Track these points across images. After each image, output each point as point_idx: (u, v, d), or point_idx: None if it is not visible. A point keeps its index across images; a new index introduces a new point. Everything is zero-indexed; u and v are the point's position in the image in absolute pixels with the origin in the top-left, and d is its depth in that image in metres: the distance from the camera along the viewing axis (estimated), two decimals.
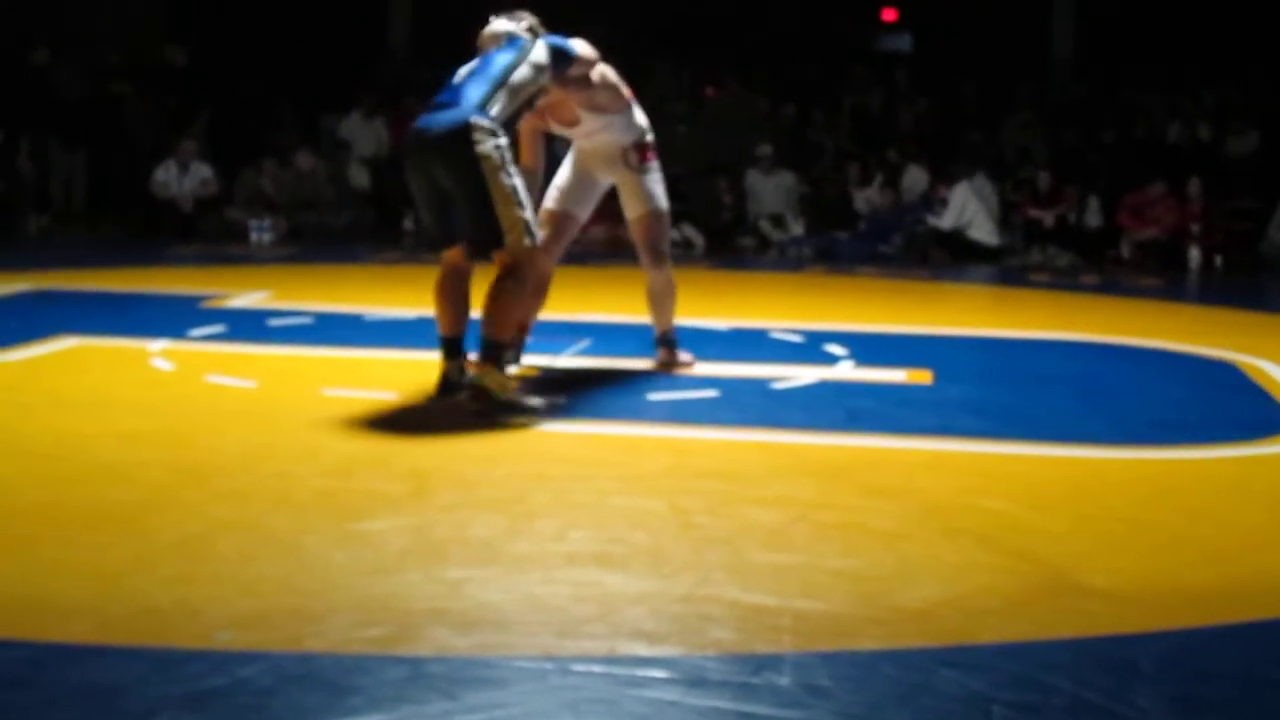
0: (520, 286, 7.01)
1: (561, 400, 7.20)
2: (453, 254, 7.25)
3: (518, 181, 6.95)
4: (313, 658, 3.85)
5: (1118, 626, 4.26)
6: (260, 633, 4.04)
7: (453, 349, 7.32)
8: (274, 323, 9.94)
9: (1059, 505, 5.62)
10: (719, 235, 17.71)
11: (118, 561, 4.67)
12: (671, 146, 18.73)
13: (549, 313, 8.26)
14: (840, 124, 19.86)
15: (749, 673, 3.78)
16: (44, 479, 5.71)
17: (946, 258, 16.59)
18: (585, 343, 9.17)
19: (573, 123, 8.10)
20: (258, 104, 19.11)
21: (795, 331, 10.00)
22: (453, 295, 7.32)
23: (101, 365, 8.18)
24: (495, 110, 6.98)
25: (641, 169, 8.26)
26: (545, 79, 7.33)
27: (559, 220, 8.25)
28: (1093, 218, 17.27)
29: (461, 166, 6.87)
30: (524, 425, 6.77)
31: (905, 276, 14.98)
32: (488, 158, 6.83)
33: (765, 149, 18.17)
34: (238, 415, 6.92)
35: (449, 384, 7.26)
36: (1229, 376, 8.72)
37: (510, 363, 7.45)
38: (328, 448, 6.32)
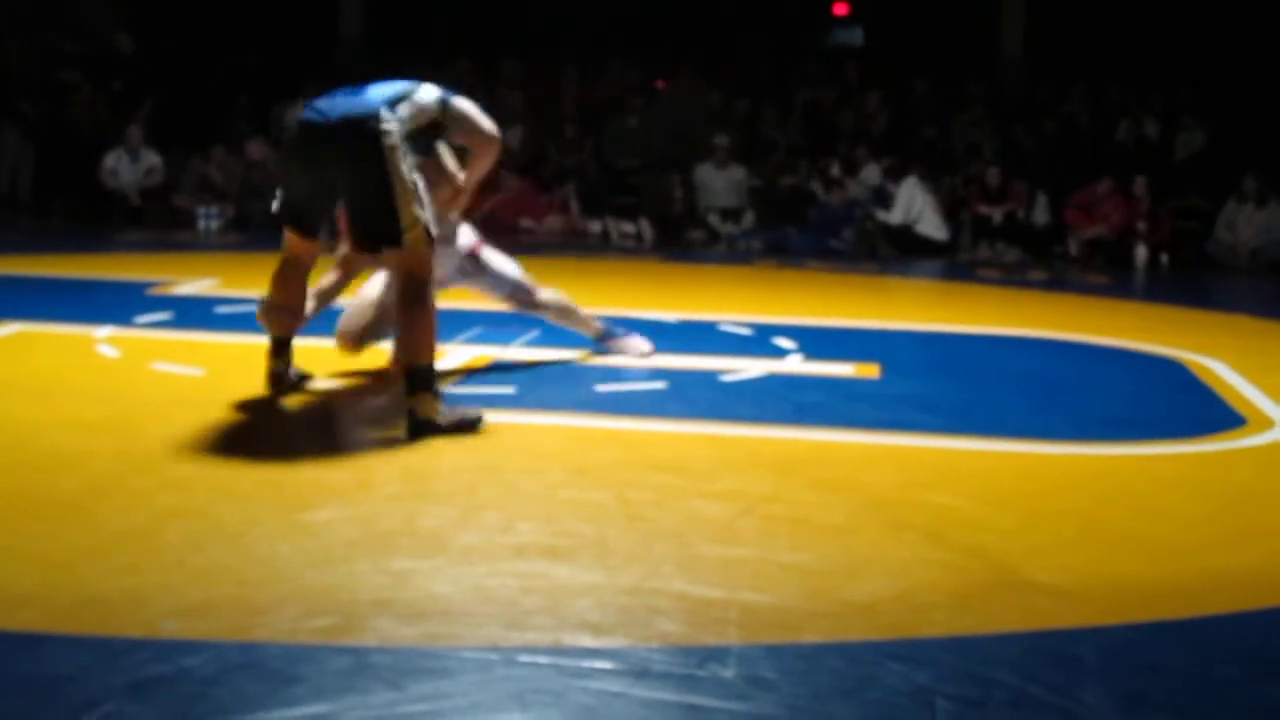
0: (423, 304, 6.56)
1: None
2: (302, 246, 6.93)
3: (420, 180, 6.63)
4: (258, 647, 3.84)
5: (1064, 621, 4.27)
6: (206, 622, 4.02)
7: (280, 347, 7.11)
8: (222, 310, 9.89)
9: (1007, 501, 5.64)
10: (669, 228, 17.72)
11: (64, 550, 4.65)
12: (623, 139, 18.86)
13: (498, 302, 8.22)
14: (791, 118, 19.88)
15: (694, 665, 3.79)
16: None
17: (895, 252, 16.65)
18: (534, 334, 9.15)
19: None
20: (207, 92, 19.02)
21: (744, 324, 10.01)
22: (290, 291, 7.01)
23: (46, 352, 8.13)
24: (402, 112, 6.66)
25: (481, 263, 8.01)
26: (434, 111, 6.90)
27: (382, 314, 7.63)
28: (1041, 214, 17.35)
29: (365, 156, 6.51)
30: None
31: (854, 270, 15.02)
32: (395, 149, 6.50)
33: (722, 140, 18.18)
34: (184, 403, 6.88)
35: (279, 380, 7.11)
36: (1176, 374, 8.77)
37: (301, 379, 7.28)
38: (275, 437, 6.30)
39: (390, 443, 6.26)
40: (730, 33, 21.18)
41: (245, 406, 6.79)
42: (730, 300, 11.71)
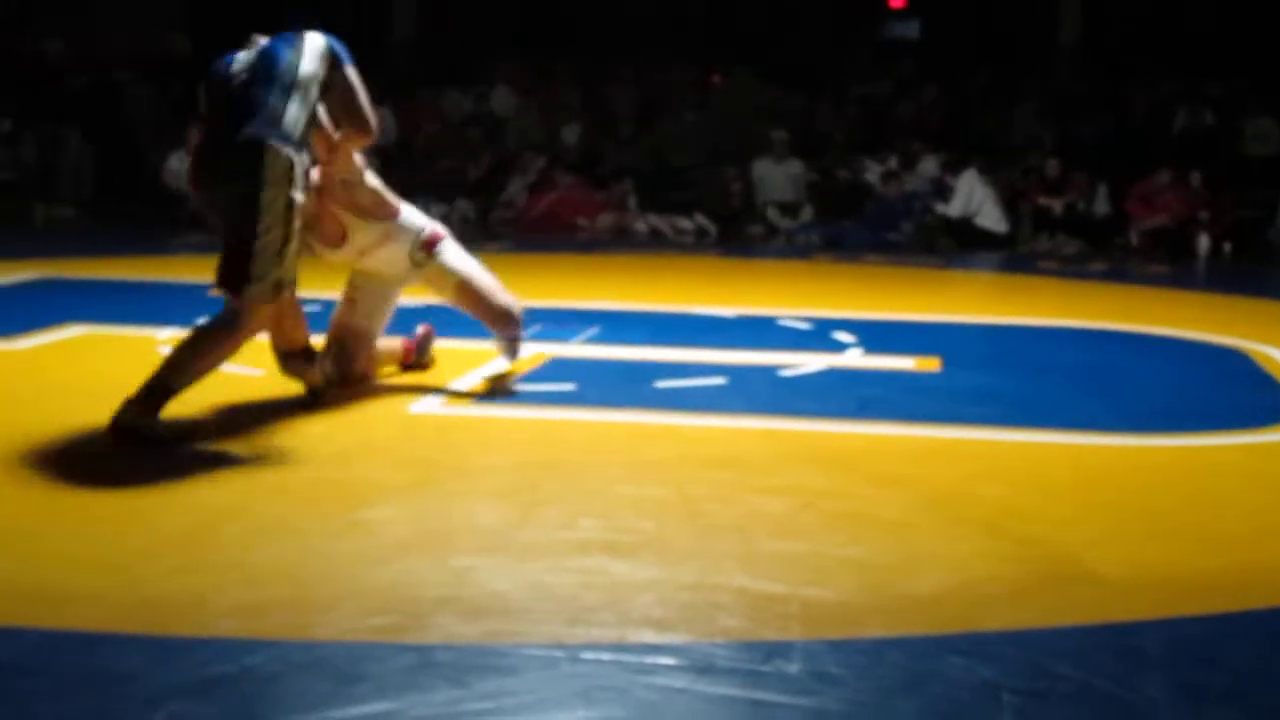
0: (231, 339, 6.22)
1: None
2: None
3: (293, 231, 6.19)
4: (319, 646, 3.85)
5: (1126, 614, 4.25)
6: (266, 621, 4.04)
7: (308, 354, 6.93)
8: None
9: (1067, 493, 5.61)
10: (727, 223, 17.70)
11: (123, 551, 4.67)
12: (678, 136, 18.85)
13: (557, 300, 8.23)
14: (848, 112, 19.83)
15: (758, 660, 3.78)
16: (50, 468, 5.71)
17: (954, 245, 16.58)
18: (594, 330, 9.16)
19: (340, 239, 7.23)
20: None
21: (803, 319, 9.98)
22: (286, 333, 6.78)
23: (109, 354, 8.18)
24: (290, 118, 6.21)
25: (434, 255, 7.38)
26: (324, 72, 6.41)
27: (344, 334, 7.29)
28: (1101, 205, 17.25)
29: (238, 190, 6.13)
30: (530, 415, 6.78)
31: (913, 264, 14.97)
32: (272, 195, 6.08)
33: (780, 135, 18.14)
34: (244, 403, 6.91)
35: (315, 393, 6.97)
36: (1238, 364, 8.71)
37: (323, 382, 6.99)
38: (332, 436, 6.32)
39: (448, 442, 6.27)
40: (786, 27, 21.14)
41: (303, 406, 6.81)
42: (789, 295, 11.68)
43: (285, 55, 6.32)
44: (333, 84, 6.47)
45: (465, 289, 7.40)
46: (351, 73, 6.53)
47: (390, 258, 7.31)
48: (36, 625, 3.98)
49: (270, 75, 6.26)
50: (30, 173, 17.64)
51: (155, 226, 16.84)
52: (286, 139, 6.15)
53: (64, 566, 4.48)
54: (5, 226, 15.98)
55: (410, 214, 7.43)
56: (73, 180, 18.20)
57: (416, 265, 7.35)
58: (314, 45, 6.40)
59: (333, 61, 6.45)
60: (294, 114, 6.21)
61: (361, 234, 7.21)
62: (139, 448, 5.93)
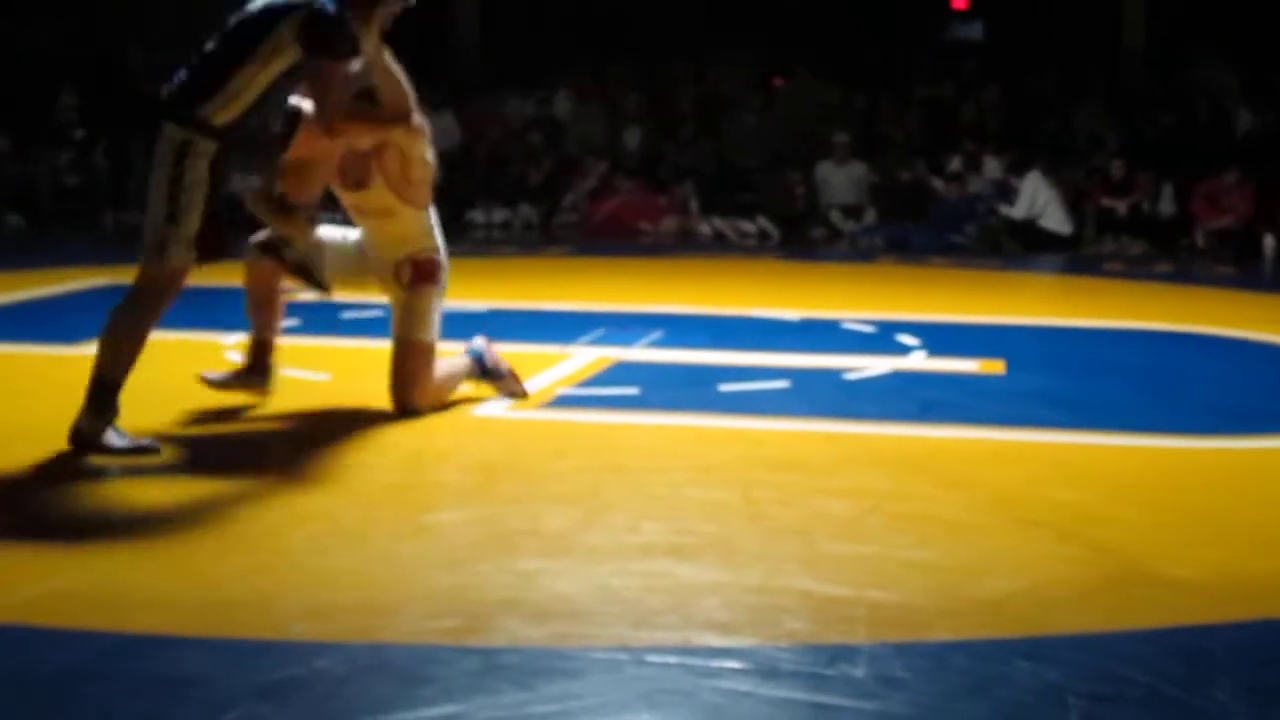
0: (143, 317, 6.04)
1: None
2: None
3: (186, 191, 5.98)
4: (386, 648, 3.87)
5: (1194, 617, 4.23)
6: (333, 624, 4.06)
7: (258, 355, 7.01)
8: (347, 315, 9.97)
9: (1133, 495, 5.59)
10: (790, 226, 17.67)
11: (192, 554, 4.71)
12: (740, 138, 18.85)
13: (620, 304, 8.24)
14: (911, 114, 19.77)
15: (823, 663, 3.78)
16: (120, 474, 5.75)
17: (1018, 247, 16.50)
18: (657, 334, 9.17)
19: (360, 182, 6.89)
20: None
21: (867, 322, 9.96)
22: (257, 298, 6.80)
23: (175, 358, 8.23)
24: (213, 94, 5.95)
25: (411, 289, 6.84)
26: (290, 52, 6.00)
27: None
28: (1166, 206, 17.14)
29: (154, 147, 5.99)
30: (592, 419, 6.79)
31: (977, 266, 14.91)
32: (168, 146, 5.95)
33: (842, 138, 18.11)
34: (309, 409, 6.95)
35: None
36: None
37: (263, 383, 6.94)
38: (396, 441, 6.34)
39: (513, 445, 6.29)
40: (849, 29, 21.10)
41: (368, 411, 6.84)
42: (852, 297, 11.66)
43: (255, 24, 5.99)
44: (307, 69, 6.07)
45: (407, 349, 6.76)
46: (330, 64, 6.01)
47: (391, 237, 6.90)
48: (106, 629, 4.02)
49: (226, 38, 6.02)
50: (100, 180, 17.76)
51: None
52: (181, 115, 5.94)
53: (133, 570, 4.52)
54: (75, 233, 16.10)
55: (432, 221, 6.97)
56: (141, 187, 18.34)
57: (397, 280, 6.87)
58: (292, 25, 5.91)
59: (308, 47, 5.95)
60: (224, 85, 5.92)
61: (382, 193, 6.82)
62: (106, 456, 5.85)
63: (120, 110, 18.01)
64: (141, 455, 5.87)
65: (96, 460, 5.85)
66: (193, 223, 5.99)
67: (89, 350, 8.32)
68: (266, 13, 5.98)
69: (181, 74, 6.02)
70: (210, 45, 6.03)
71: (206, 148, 5.97)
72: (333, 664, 3.74)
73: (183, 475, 5.66)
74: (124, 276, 11.87)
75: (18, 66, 17.73)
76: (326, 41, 5.96)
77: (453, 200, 18.37)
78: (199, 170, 5.97)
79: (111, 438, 5.88)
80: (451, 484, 5.60)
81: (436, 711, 3.44)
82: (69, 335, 8.78)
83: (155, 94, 6.08)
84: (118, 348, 5.98)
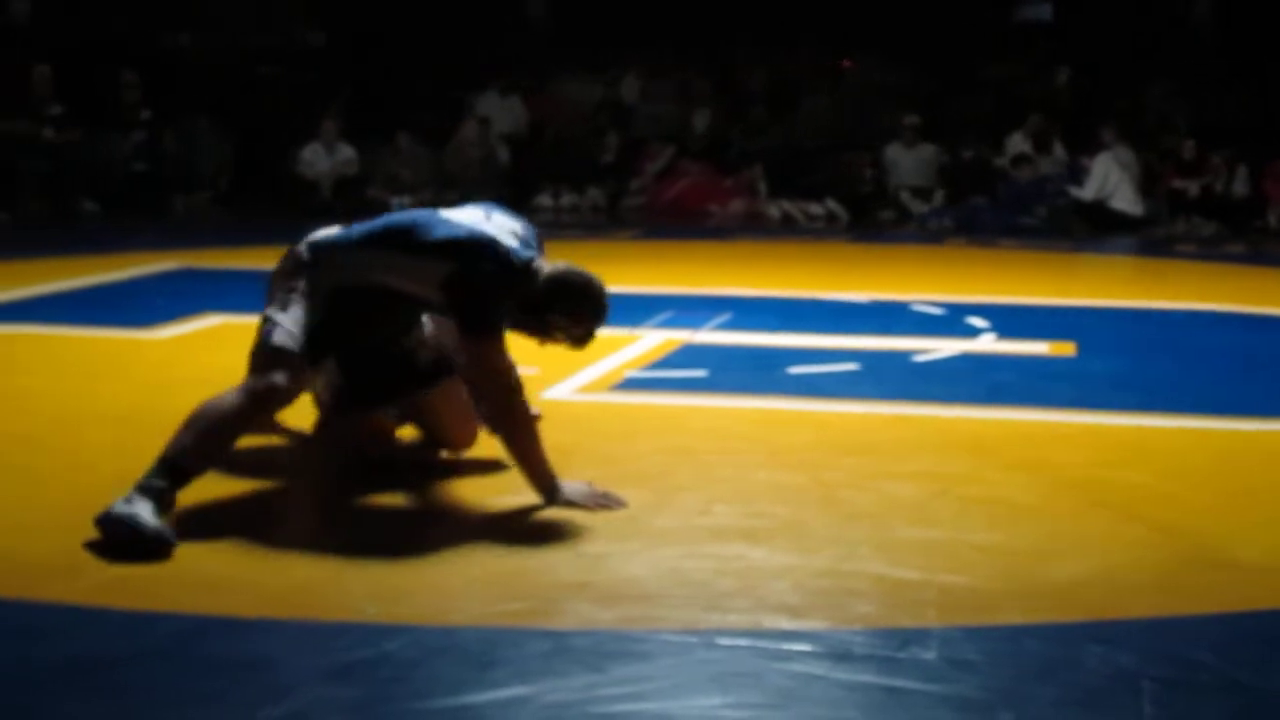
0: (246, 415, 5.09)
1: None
2: None
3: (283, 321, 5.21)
4: (456, 631, 3.89)
5: (1268, 601, 4.20)
6: (403, 606, 4.08)
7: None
8: None
9: (1205, 478, 5.55)
10: (858, 208, 17.62)
11: (263, 538, 4.74)
12: (809, 120, 18.80)
13: (688, 287, 8.24)
14: (979, 95, 19.66)
15: (894, 647, 3.77)
16: None
17: (1088, 229, 16.39)
18: (725, 317, 9.16)
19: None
20: (398, 83, 19.24)
21: (936, 304, 9.92)
22: None
23: (246, 343, 8.27)
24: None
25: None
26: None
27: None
28: (1239, 186, 16.99)
29: None
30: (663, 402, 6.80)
31: (1047, 248, 14.82)
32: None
33: (912, 119, 18.04)
34: None
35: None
36: None
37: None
38: None
39: (582, 429, 6.29)
40: (918, 10, 20.98)
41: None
42: (921, 280, 11.61)
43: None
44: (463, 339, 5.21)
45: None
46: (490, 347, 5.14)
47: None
48: (179, 610, 4.05)
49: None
50: (169, 164, 17.87)
51: (290, 216, 17.03)
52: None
53: (203, 554, 4.54)
54: (145, 218, 16.21)
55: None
56: (210, 172, 18.43)
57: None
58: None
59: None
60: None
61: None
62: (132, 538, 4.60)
63: (186, 95, 18.14)
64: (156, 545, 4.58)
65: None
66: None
67: (160, 334, 8.44)
68: (439, 242, 5.10)
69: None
70: (373, 223, 5.35)
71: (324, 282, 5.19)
72: (402, 646, 3.76)
73: (255, 459, 5.68)
74: (193, 260, 12.04)
75: (81, 56, 17.87)
76: (479, 316, 5.12)
77: (520, 184, 18.46)
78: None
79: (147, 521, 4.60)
80: None
81: (506, 693, 3.45)
82: (141, 319, 8.86)
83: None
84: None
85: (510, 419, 5.14)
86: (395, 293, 5.17)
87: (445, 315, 5.28)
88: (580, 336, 5.27)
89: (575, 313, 5.22)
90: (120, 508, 4.56)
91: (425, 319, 5.48)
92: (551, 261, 5.32)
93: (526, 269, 5.14)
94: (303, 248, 5.28)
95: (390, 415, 5.74)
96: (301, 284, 5.19)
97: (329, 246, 5.26)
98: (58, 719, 3.39)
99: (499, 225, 5.23)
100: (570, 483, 5.10)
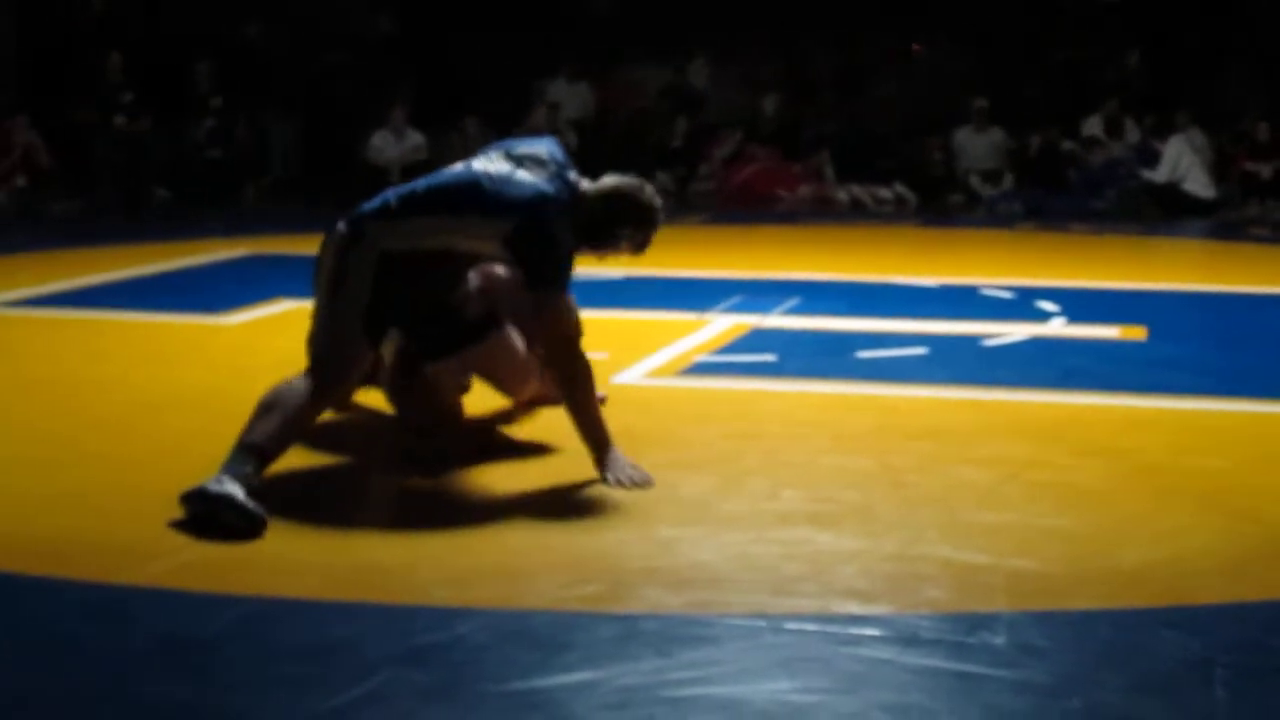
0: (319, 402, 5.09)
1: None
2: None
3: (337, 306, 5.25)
4: (527, 615, 3.91)
5: None
6: (475, 590, 4.11)
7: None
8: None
9: (1275, 464, 5.52)
10: (928, 192, 17.56)
11: (337, 521, 4.78)
12: (878, 104, 18.75)
13: (756, 271, 8.23)
14: (1050, 78, 19.55)
15: (963, 632, 3.77)
16: None
17: (1160, 212, 16.28)
18: (794, 301, 9.15)
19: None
20: (466, 69, 19.28)
21: (1006, 288, 9.88)
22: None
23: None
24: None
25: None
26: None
27: None
28: None
29: None
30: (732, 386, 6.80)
31: (1118, 232, 14.73)
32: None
33: (981, 102, 17.97)
34: None
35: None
36: None
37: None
38: (536, 410, 6.37)
39: (650, 413, 6.30)
40: None
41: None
42: (991, 264, 11.55)
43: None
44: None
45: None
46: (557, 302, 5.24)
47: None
48: (252, 594, 4.09)
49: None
50: (240, 152, 17.98)
51: (359, 203, 17.10)
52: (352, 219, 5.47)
53: (277, 537, 4.58)
54: (217, 204, 16.31)
55: None
56: (282, 158, 18.53)
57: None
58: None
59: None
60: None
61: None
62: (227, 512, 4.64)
63: (257, 82, 18.25)
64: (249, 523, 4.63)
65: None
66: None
67: (232, 319, 8.50)
68: (497, 197, 5.17)
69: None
70: (421, 182, 5.46)
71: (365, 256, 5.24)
72: (474, 629, 3.78)
73: (327, 443, 5.71)
74: (264, 247, 12.11)
75: (154, 47, 18.02)
76: (547, 270, 5.19)
77: (588, 169, 18.47)
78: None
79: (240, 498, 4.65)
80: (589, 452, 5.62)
81: (576, 677, 3.47)
82: (214, 305, 8.93)
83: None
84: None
85: (570, 369, 5.24)
86: (448, 253, 5.27)
87: (507, 266, 5.42)
88: (643, 242, 5.39)
89: (639, 220, 5.34)
90: (214, 487, 4.61)
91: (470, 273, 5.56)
92: (589, 179, 5.43)
93: (577, 201, 5.27)
94: (341, 225, 5.38)
95: (455, 380, 5.76)
96: (347, 261, 5.27)
97: (368, 217, 5.36)
98: (151, 699, 3.44)
99: (534, 166, 5.30)
100: (616, 449, 5.20)
